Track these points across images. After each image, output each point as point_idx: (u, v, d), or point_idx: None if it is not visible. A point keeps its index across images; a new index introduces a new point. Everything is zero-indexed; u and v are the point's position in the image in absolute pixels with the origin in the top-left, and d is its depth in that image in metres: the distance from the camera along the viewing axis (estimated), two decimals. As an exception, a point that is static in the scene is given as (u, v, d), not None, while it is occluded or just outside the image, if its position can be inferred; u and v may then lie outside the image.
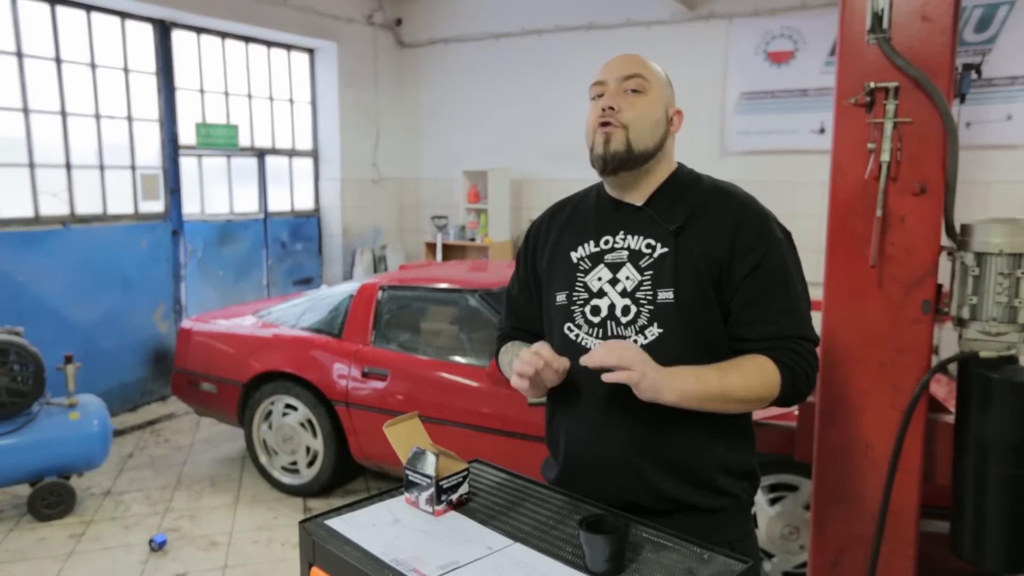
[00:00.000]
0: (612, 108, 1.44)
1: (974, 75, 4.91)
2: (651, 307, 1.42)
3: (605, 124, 1.44)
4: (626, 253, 1.47)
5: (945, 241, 2.02)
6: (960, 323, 1.99)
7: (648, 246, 1.45)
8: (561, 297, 1.52)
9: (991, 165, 5.17)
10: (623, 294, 1.45)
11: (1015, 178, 5.14)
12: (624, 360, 1.29)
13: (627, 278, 1.45)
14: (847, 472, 2.13)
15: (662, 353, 1.38)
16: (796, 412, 2.37)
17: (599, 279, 1.48)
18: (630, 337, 1.43)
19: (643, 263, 1.44)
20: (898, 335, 2.02)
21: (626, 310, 1.44)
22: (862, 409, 2.09)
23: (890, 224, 2.00)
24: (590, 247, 1.51)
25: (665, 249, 1.43)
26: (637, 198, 1.49)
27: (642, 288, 1.43)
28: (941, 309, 2.01)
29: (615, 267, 1.47)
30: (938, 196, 1.96)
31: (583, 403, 1.48)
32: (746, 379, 1.36)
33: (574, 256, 1.52)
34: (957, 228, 1.99)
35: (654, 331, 1.42)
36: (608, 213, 1.51)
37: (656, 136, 1.46)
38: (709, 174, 1.56)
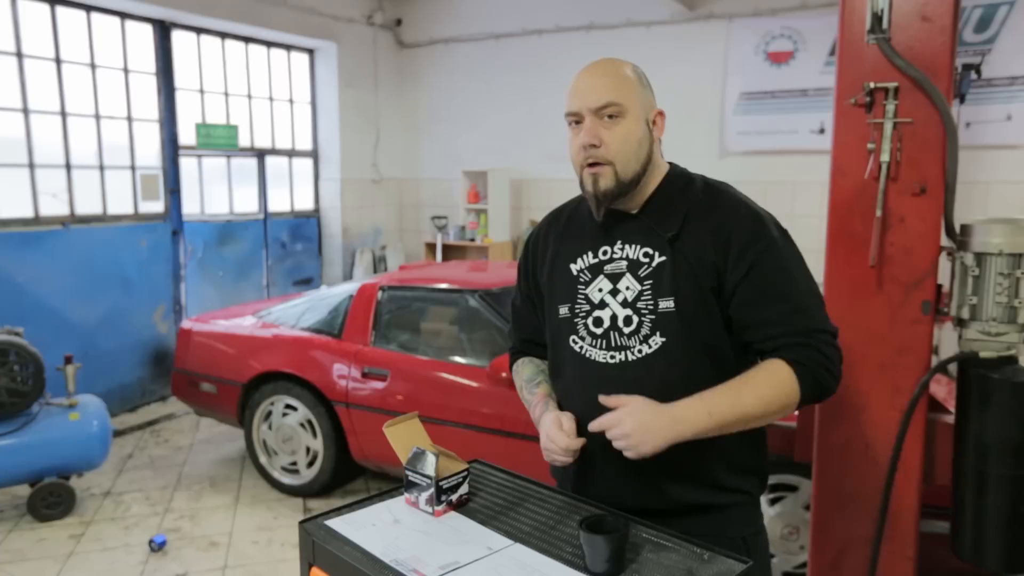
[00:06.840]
0: (594, 145, 1.40)
1: (974, 75, 4.91)
2: (652, 316, 1.41)
3: (592, 164, 1.41)
4: (625, 263, 1.46)
5: (945, 241, 2.02)
6: (960, 323, 1.98)
7: (646, 255, 1.44)
8: (564, 310, 1.52)
9: (991, 165, 5.17)
10: (624, 304, 1.44)
11: (1015, 178, 5.14)
12: (616, 443, 1.32)
13: (627, 288, 1.44)
14: (847, 472, 2.13)
15: (666, 361, 1.40)
16: (796, 412, 2.37)
17: (600, 290, 1.47)
18: (634, 347, 1.42)
19: (642, 272, 1.43)
20: (898, 335, 2.02)
21: (628, 320, 1.43)
22: (862, 409, 2.09)
23: (890, 224, 2.00)
24: (589, 258, 1.50)
25: (663, 258, 1.42)
26: (631, 206, 1.48)
27: (643, 298, 1.42)
28: (941, 309, 2.01)
29: (615, 277, 1.46)
30: (938, 196, 1.96)
31: (592, 414, 1.46)
32: (761, 394, 1.34)
33: (574, 268, 1.52)
34: (957, 228, 1.99)
35: (657, 340, 1.41)
36: (604, 222, 1.49)
37: (643, 155, 1.43)
38: (702, 173, 1.54)
